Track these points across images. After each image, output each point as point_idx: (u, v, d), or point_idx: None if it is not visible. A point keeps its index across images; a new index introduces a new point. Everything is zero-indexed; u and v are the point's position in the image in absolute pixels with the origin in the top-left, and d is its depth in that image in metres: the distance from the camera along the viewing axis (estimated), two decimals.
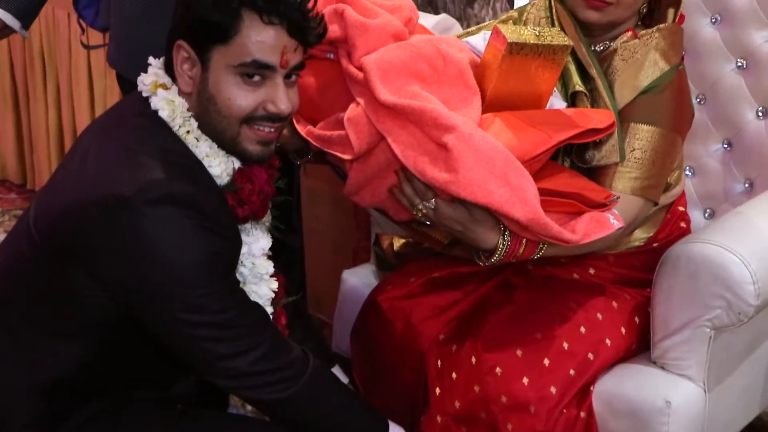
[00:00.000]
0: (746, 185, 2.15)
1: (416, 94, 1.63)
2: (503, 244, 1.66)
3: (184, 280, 1.48)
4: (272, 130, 1.59)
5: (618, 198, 1.72)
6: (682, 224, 1.99)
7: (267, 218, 1.74)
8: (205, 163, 1.57)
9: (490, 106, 1.70)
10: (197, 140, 1.57)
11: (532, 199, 1.57)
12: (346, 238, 2.70)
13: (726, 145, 2.19)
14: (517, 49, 1.65)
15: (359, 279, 2.27)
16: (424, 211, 1.67)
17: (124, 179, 1.47)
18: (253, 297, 1.65)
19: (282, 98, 1.56)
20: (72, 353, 1.57)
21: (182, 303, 1.49)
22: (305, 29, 1.57)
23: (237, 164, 1.62)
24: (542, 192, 1.60)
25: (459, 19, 2.94)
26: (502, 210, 1.56)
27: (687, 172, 2.21)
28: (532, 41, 1.66)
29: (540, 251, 1.69)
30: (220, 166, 1.58)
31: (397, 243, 2.16)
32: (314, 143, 1.72)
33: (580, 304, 1.86)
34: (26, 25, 2.23)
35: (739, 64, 2.15)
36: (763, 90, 2.12)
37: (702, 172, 2.22)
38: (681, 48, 1.88)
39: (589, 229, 1.64)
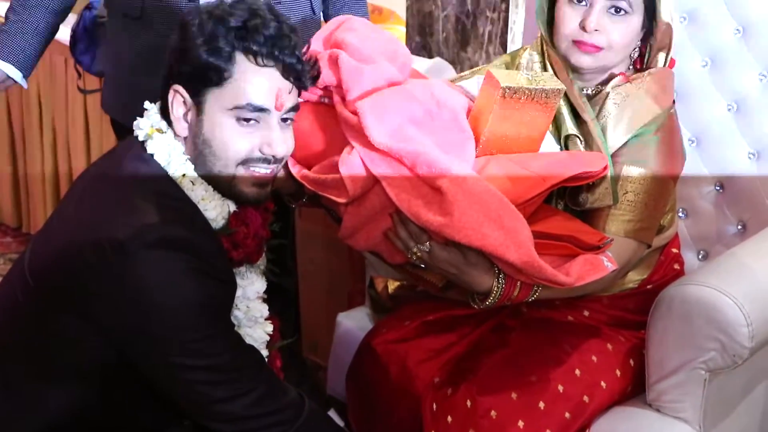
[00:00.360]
0: (739, 227, 2.16)
1: (410, 138, 1.64)
2: (498, 287, 1.66)
3: (178, 323, 1.48)
4: (268, 171, 1.60)
5: (611, 241, 1.72)
6: (676, 266, 1.99)
7: (262, 261, 1.74)
8: (201, 206, 1.57)
9: (483, 149, 1.71)
10: (193, 183, 1.58)
11: (527, 242, 1.57)
12: (341, 280, 2.69)
13: (718, 187, 2.20)
14: (510, 93, 1.66)
15: (354, 322, 2.27)
16: (418, 254, 1.67)
17: (119, 223, 1.47)
18: (247, 340, 1.65)
19: (277, 140, 1.57)
20: (67, 400, 1.56)
21: (177, 347, 1.49)
22: (299, 72, 1.58)
23: (232, 207, 1.62)
24: (536, 235, 1.60)
25: (452, 63, 2.96)
26: (497, 253, 1.57)
27: (680, 214, 2.22)
28: (525, 85, 1.67)
29: (534, 294, 1.69)
30: (215, 209, 1.58)
31: (392, 286, 2.16)
32: (309, 186, 1.72)
33: (574, 347, 1.85)
34: (27, 75, 2.25)
35: (730, 106, 2.17)
36: (754, 132, 2.13)
37: (695, 213, 2.23)
38: (672, 91, 1.89)
39: (583, 272, 1.64)
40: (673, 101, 1.89)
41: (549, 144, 1.81)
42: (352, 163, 1.65)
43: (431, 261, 1.67)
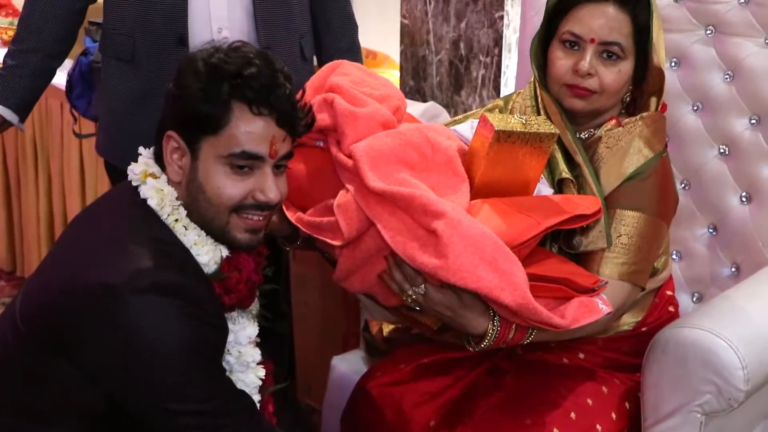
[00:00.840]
0: (733, 269, 2.17)
1: (405, 181, 1.65)
2: (493, 330, 1.66)
3: (169, 368, 1.48)
4: (261, 218, 1.61)
5: (606, 283, 1.73)
6: (671, 308, 1.99)
7: (254, 306, 1.74)
8: (193, 251, 1.58)
9: (478, 192, 1.71)
10: (186, 228, 1.58)
11: (522, 285, 1.57)
12: (336, 323, 2.69)
13: (711, 230, 2.21)
14: (504, 136, 1.68)
15: (348, 365, 2.26)
16: (413, 296, 1.67)
17: (111, 268, 1.47)
18: (239, 385, 1.64)
19: (271, 187, 1.58)
20: None
21: (168, 392, 1.48)
22: (294, 120, 1.59)
23: (225, 252, 1.62)
24: (531, 277, 1.60)
25: (446, 107, 2.99)
26: (492, 295, 1.57)
27: (674, 257, 2.23)
28: (519, 129, 1.68)
29: (529, 336, 1.69)
30: (207, 254, 1.59)
31: (387, 328, 2.16)
32: (304, 230, 1.73)
33: (570, 390, 1.85)
34: (23, 118, 2.27)
35: (722, 150, 2.18)
36: (745, 175, 2.14)
37: (689, 256, 2.24)
38: (664, 135, 1.91)
39: (578, 314, 1.65)
40: (666, 145, 1.91)
41: (543, 187, 1.82)
42: (347, 206, 1.66)
43: (426, 303, 1.67)
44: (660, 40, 1.84)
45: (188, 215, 1.58)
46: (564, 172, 1.83)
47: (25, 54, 2.22)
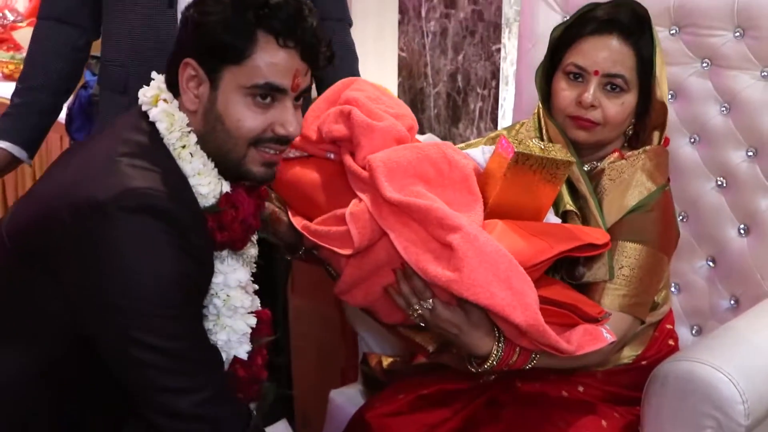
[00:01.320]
0: (732, 302, 2.17)
1: (421, 194, 1.64)
2: (497, 351, 1.65)
3: (145, 295, 1.43)
4: (278, 152, 1.59)
5: (610, 315, 1.72)
6: (670, 342, 1.99)
7: (250, 252, 1.70)
8: (195, 181, 1.54)
9: (490, 214, 1.71)
10: (192, 155, 1.55)
11: (533, 305, 1.57)
12: (334, 357, 2.68)
13: (710, 262, 2.21)
14: (523, 159, 1.68)
15: (347, 399, 2.25)
16: (419, 311, 1.66)
17: (101, 185, 1.44)
18: (226, 331, 1.61)
19: (291, 121, 1.56)
20: (16, 362, 1.51)
21: (138, 319, 1.44)
22: (317, 53, 1.57)
23: (226, 188, 1.59)
24: (540, 300, 1.60)
25: (444, 139, 3.00)
26: (503, 313, 1.56)
27: (672, 289, 2.23)
28: (537, 153, 1.69)
29: (532, 361, 1.68)
30: (209, 186, 1.55)
31: (386, 362, 2.15)
32: (311, 238, 1.71)
33: (569, 423, 1.84)
34: (32, 154, 2.28)
35: (719, 182, 2.19)
36: (743, 207, 2.15)
37: (688, 288, 2.24)
38: (667, 169, 1.91)
39: (584, 341, 1.64)
40: (668, 179, 1.91)
41: (551, 216, 1.82)
42: (360, 215, 1.64)
43: (433, 319, 1.66)
44: (663, 74, 1.86)
45: (202, 146, 1.55)
46: (568, 204, 1.83)
47: (32, 92, 2.24)
